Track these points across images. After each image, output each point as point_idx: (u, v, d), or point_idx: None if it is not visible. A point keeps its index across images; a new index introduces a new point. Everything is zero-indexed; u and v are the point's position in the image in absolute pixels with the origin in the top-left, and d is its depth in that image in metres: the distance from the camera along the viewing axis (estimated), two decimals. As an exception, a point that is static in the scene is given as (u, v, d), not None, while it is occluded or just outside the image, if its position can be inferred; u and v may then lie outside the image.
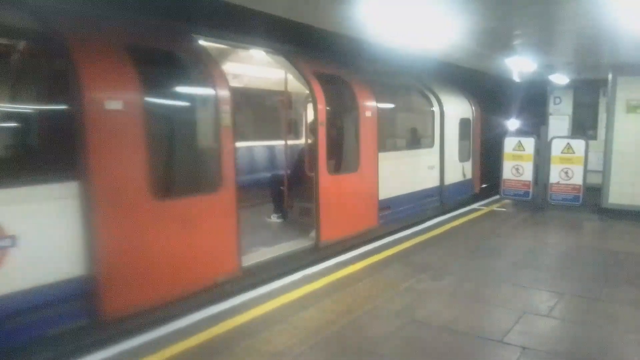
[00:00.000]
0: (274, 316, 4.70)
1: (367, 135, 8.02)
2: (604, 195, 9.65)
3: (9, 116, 4.30)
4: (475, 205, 10.81)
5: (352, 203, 7.75)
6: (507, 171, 10.53)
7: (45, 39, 4.51)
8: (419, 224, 8.84)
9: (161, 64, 5.44)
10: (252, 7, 5.53)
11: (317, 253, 6.91)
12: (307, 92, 7.35)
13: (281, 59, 7.05)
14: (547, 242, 7.89)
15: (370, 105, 8.11)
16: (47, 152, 4.24)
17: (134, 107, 4.59)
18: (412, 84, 10.73)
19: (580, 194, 9.82)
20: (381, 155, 8.43)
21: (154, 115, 4.83)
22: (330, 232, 7.14)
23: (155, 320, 4.49)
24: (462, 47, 7.90)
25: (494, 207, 10.55)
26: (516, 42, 7.71)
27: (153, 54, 5.22)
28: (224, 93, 5.57)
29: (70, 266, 4.21)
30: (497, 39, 7.56)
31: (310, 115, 7.28)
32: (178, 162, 5.72)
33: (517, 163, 10.39)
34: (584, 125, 13.14)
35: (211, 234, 5.43)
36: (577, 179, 9.82)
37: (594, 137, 12.39)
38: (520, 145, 10.34)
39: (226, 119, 5.55)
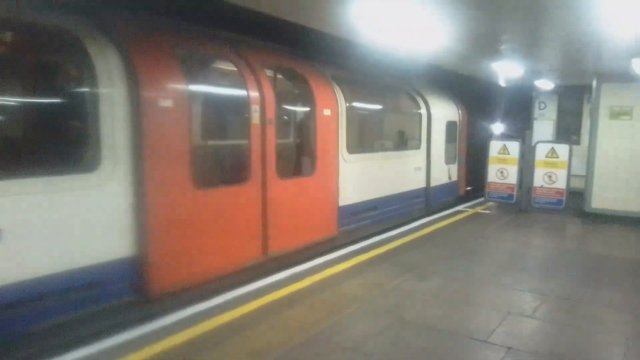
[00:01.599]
0: (260, 313, 4.71)
1: (326, 135, 7.55)
2: (587, 200, 9.81)
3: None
4: (460, 207, 10.91)
5: (305, 210, 7.24)
6: (492, 174, 10.66)
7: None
8: (403, 225, 8.86)
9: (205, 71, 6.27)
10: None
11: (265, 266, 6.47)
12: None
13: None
14: (530, 244, 7.99)
15: (330, 103, 7.60)
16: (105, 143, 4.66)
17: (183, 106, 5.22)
18: (398, 85, 10.75)
19: (564, 198, 9.97)
20: (352, 157, 8.18)
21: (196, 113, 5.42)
22: (279, 243, 6.67)
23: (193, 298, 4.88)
24: (450, 50, 7.95)
25: (479, 209, 10.66)
26: (503, 46, 7.79)
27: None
28: (254, 93, 6.05)
29: (124, 246, 4.72)
30: (485, 43, 7.63)
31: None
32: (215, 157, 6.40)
33: (502, 166, 10.52)
34: (568, 130, 13.34)
35: (240, 221, 5.99)
36: (561, 183, 9.97)
37: (578, 142, 12.59)
38: (505, 149, 10.47)
39: (255, 117, 6.01)
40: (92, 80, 4.55)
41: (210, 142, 6.63)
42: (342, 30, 6.55)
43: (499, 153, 10.55)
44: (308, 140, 7.53)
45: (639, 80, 9.14)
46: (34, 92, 5.11)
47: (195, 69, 6.26)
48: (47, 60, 5.25)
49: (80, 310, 4.41)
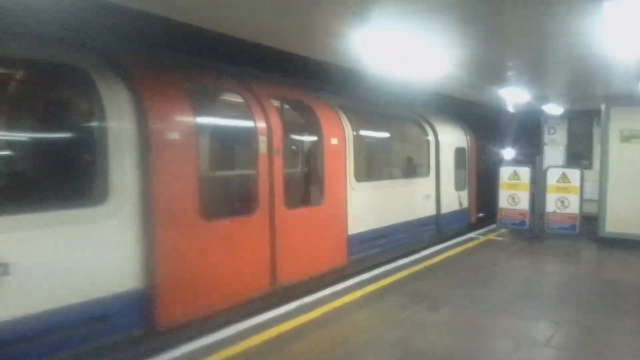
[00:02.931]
0: (267, 346, 4.64)
1: (334, 164, 7.55)
2: (601, 224, 9.65)
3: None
4: (472, 235, 10.78)
5: (314, 240, 7.16)
6: (504, 200, 10.55)
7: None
8: (414, 254, 8.77)
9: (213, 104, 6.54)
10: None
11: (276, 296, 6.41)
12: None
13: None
14: (544, 271, 7.85)
15: (336, 132, 7.65)
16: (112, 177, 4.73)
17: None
18: (405, 113, 10.78)
19: (577, 223, 9.82)
20: (360, 185, 8.13)
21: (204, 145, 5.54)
22: (287, 273, 6.59)
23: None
24: (456, 78, 8.00)
25: (491, 237, 10.53)
26: (509, 73, 7.84)
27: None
28: (261, 124, 6.19)
29: (131, 278, 4.69)
30: (491, 70, 7.68)
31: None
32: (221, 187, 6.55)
33: (513, 192, 10.42)
34: (578, 154, 13.24)
35: (248, 252, 5.98)
36: (574, 208, 9.84)
37: (589, 167, 12.46)
38: (515, 175, 10.39)
39: (262, 147, 6.13)
40: (101, 116, 4.61)
41: (218, 173, 6.68)
42: (346, 61, 6.65)
43: (510, 179, 10.46)
44: (316, 169, 7.51)
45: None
46: (44, 128, 5.19)
47: (204, 102, 6.31)
48: (57, 97, 5.36)
49: (88, 343, 4.37)
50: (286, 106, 7.59)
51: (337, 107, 8.07)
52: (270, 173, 6.25)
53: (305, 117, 7.71)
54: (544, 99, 10.77)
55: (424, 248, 9.35)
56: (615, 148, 9.53)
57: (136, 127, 4.77)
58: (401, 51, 5.80)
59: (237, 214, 6.18)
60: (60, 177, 4.82)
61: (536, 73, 7.98)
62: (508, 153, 14.76)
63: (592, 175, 11.19)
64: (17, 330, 3.89)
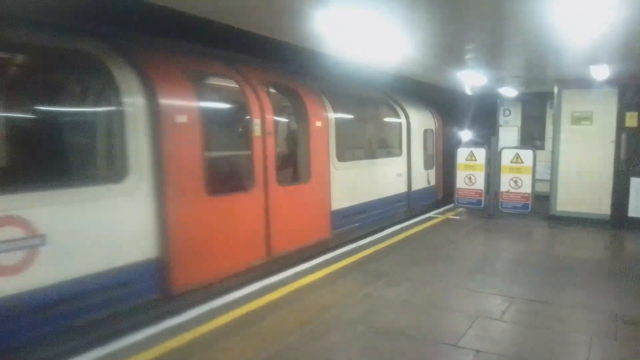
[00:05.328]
0: (232, 326, 4.68)
1: (319, 145, 8.11)
2: (552, 203, 10.08)
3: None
4: (431, 214, 11.06)
5: (303, 214, 7.75)
6: (461, 180, 10.86)
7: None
8: (375, 233, 8.98)
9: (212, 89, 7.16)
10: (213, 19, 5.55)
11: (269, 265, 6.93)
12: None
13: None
14: (499, 248, 8.15)
15: (321, 115, 8.20)
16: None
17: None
18: (379, 97, 11.27)
19: (530, 202, 10.20)
20: (341, 164, 8.69)
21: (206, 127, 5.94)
22: (280, 244, 7.14)
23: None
24: (415, 60, 8.10)
25: (449, 216, 10.82)
26: (468, 56, 7.97)
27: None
28: (255, 108, 6.69)
29: (149, 248, 5.21)
30: (450, 53, 7.79)
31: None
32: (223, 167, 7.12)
33: (469, 172, 10.72)
34: (532, 136, 13.69)
35: (247, 225, 6.54)
36: (526, 188, 10.21)
37: (542, 148, 12.92)
38: (472, 156, 10.69)
39: (257, 130, 6.61)
40: (119, 102, 5.02)
41: (218, 153, 7.14)
42: (309, 42, 6.62)
43: (467, 160, 10.76)
44: (303, 149, 8.03)
45: (598, 86, 9.47)
46: (72, 113, 5.64)
47: (204, 87, 6.85)
48: (83, 85, 5.69)
49: (114, 307, 4.88)
50: (276, 91, 8.01)
51: (320, 91, 8.55)
52: (264, 153, 6.77)
53: (292, 102, 8.17)
54: (500, 81, 11.04)
55: (397, 223, 9.97)
56: (566, 130, 9.91)
57: (149, 111, 5.19)
58: (362, 33, 5.83)
59: (236, 190, 6.60)
60: (86, 157, 5.36)
61: (493, 56, 8.14)
62: (466, 135, 15.15)
63: (544, 155, 11.63)
64: (53, 295, 4.35)
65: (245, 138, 6.86)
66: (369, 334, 4.53)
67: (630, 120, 9.25)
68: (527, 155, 10.24)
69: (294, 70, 8.45)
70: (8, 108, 5.44)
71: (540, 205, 10.37)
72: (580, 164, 9.76)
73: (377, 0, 4.71)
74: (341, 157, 8.79)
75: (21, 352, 4.18)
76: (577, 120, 9.80)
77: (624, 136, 9.29)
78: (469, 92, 13.40)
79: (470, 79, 10.12)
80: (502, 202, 10.46)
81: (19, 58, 5.36)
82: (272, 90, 7.75)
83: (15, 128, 5.43)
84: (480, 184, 10.65)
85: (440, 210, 11.62)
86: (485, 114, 14.68)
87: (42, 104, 5.50)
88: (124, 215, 4.97)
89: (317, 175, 8.03)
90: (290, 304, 5.28)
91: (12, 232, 4.07)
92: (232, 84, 6.93)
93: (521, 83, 11.59)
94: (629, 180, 9.29)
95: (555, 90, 10.01)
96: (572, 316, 5.03)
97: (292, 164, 8.30)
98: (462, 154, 10.85)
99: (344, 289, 5.80)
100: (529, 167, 10.17)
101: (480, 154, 10.65)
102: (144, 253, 5.17)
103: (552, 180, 10.08)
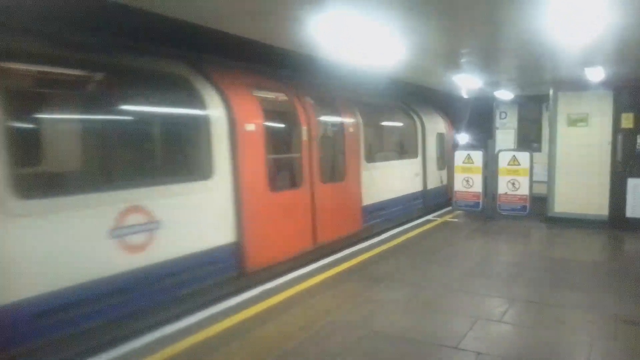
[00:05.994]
0: (233, 332, 4.69)
1: (352, 148, 9.24)
2: (550, 205, 10.11)
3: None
4: (429, 217, 11.10)
5: (340, 208, 8.83)
6: (459, 183, 10.90)
7: None
8: (377, 236, 9.01)
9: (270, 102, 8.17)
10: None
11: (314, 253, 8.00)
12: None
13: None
14: (497, 250, 8.18)
15: (353, 122, 9.35)
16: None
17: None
18: (397, 104, 12.31)
19: (527, 204, 10.25)
20: (369, 165, 9.85)
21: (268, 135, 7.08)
22: (323, 234, 8.22)
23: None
24: (411, 64, 8.15)
25: (447, 218, 10.85)
26: (463, 60, 8.02)
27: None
28: (305, 117, 7.93)
29: (229, 234, 6.34)
30: (445, 57, 7.84)
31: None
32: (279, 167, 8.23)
33: (467, 175, 10.77)
34: (528, 138, 13.76)
35: (299, 217, 7.70)
36: (524, 190, 10.26)
37: (539, 150, 12.98)
38: (469, 158, 10.74)
39: (305, 135, 7.88)
40: (206, 115, 6.10)
41: (276, 156, 8.11)
42: (304, 48, 6.65)
43: (464, 162, 10.81)
44: (339, 152, 9.22)
45: (593, 88, 9.53)
46: (176, 125, 6.64)
47: (264, 100, 7.77)
48: (183, 104, 6.49)
49: (205, 281, 5.97)
50: (317, 102, 8.97)
51: (351, 102, 9.72)
52: (310, 156, 7.96)
53: (330, 111, 9.28)
54: (496, 84, 11.10)
55: (413, 219, 10.81)
56: (563, 131, 9.96)
57: (227, 122, 6.27)
58: (360, 38, 5.85)
59: (290, 187, 7.89)
60: (185, 158, 6.52)
61: (488, 60, 8.19)
62: (463, 138, 15.24)
63: (541, 157, 11.68)
64: (166, 269, 5.41)
65: (295, 143, 8.06)
66: (370, 337, 4.54)
67: (626, 121, 9.31)
68: (524, 157, 10.30)
69: (329, 84, 9.57)
70: (129, 123, 6.46)
71: (538, 206, 10.40)
72: (577, 165, 9.80)
73: (372, 5, 4.76)
74: (368, 159, 9.88)
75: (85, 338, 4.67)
76: (573, 122, 9.85)
77: (620, 137, 9.35)
78: (465, 95, 13.50)
79: (466, 83, 10.17)
80: (500, 204, 10.50)
81: (140, 82, 6.27)
82: (314, 102, 8.80)
83: (135, 137, 6.48)
84: (478, 186, 10.70)
85: (438, 213, 11.66)
86: (484, 117, 14.77)
87: (152, 117, 6.54)
88: (212, 206, 6.07)
89: (350, 175, 9.14)
90: (290, 309, 5.29)
91: (138, 218, 5.12)
92: (284, 97, 8.08)
93: (517, 86, 11.66)
94: (626, 181, 9.34)
95: (551, 92, 10.06)
96: (572, 317, 5.05)
97: (331, 165, 9.29)
98: (459, 157, 10.91)
99: (345, 293, 5.81)
100: (526, 169, 10.22)
101: (477, 156, 10.70)
102: (226, 237, 6.27)
103: (550, 182, 10.11)
